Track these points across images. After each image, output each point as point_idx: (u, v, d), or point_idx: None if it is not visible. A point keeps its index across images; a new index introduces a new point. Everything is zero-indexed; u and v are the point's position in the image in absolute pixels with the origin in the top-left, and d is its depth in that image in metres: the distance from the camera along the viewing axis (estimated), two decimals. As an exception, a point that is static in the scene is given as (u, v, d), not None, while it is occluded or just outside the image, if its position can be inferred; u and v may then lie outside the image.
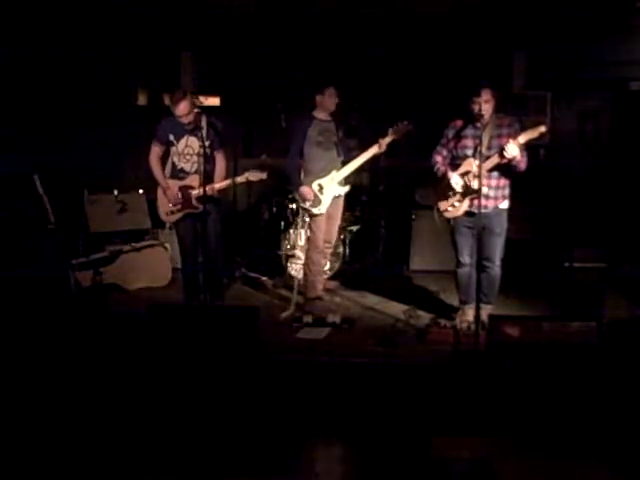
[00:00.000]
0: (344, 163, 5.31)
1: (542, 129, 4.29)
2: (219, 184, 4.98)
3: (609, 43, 6.72)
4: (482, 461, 3.32)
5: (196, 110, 4.83)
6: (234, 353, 3.85)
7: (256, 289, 6.03)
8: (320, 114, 5.25)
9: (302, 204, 5.32)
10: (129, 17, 6.63)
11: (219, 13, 6.55)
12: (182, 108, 4.78)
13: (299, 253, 5.98)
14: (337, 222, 5.55)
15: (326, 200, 5.27)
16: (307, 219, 5.55)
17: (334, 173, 5.27)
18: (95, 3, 6.35)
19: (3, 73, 6.22)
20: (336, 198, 5.36)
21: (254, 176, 4.97)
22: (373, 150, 5.14)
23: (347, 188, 5.41)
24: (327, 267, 6.01)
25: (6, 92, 6.22)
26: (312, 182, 5.25)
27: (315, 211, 5.28)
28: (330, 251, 5.66)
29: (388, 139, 5.08)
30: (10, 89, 6.28)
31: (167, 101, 4.97)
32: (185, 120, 4.82)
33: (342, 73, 6.82)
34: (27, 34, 6.40)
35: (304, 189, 5.23)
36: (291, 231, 6.14)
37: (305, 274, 5.47)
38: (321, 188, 5.26)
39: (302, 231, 5.96)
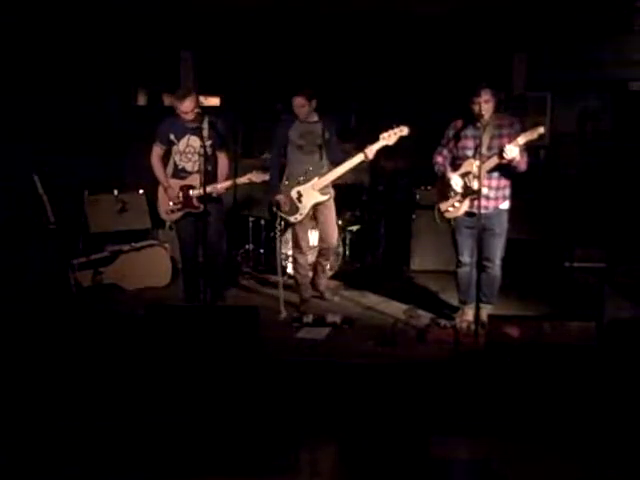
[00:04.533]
0: (332, 167, 5.08)
1: (540, 130, 4.30)
2: (223, 184, 4.99)
3: (609, 43, 6.73)
4: (482, 461, 3.32)
5: (196, 110, 4.83)
6: (234, 353, 3.85)
7: (256, 289, 6.03)
8: (299, 116, 5.05)
9: (278, 212, 5.15)
10: (129, 17, 6.63)
11: (219, 13, 6.56)
12: (187, 105, 4.78)
13: (289, 253, 5.97)
14: (333, 225, 5.31)
15: (304, 208, 5.10)
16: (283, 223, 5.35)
17: (316, 180, 5.06)
18: (95, 3, 6.35)
19: (3, 73, 6.22)
20: (321, 204, 5.16)
21: (257, 177, 4.96)
22: (358, 158, 4.90)
23: (328, 196, 5.16)
24: (327, 267, 6.00)
25: (6, 92, 6.21)
26: (292, 188, 5.10)
27: (292, 220, 5.15)
28: (330, 252, 5.54)
29: (378, 145, 4.83)
30: (10, 89, 6.28)
31: (169, 100, 4.96)
32: (189, 117, 4.82)
33: (342, 73, 6.85)
34: (27, 34, 6.40)
35: (279, 198, 5.08)
36: (290, 231, 6.14)
37: (295, 276, 5.46)
38: (300, 196, 5.10)
39: (284, 234, 5.93)
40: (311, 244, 5.72)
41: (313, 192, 5.11)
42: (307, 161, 5.10)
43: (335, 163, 5.09)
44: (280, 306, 5.03)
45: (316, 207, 5.19)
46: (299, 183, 5.11)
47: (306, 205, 5.13)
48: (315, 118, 5.11)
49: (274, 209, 5.21)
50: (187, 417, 3.59)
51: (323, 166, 5.13)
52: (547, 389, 3.61)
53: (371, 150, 4.86)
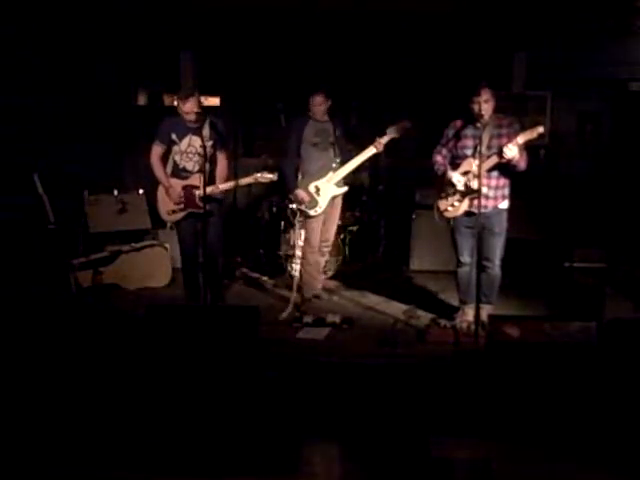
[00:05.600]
0: (342, 163, 5.29)
1: (540, 130, 4.30)
2: (224, 185, 4.99)
3: (609, 43, 6.73)
4: (482, 461, 3.32)
5: (196, 110, 4.83)
6: (234, 353, 3.85)
7: (256, 289, 6.03)
8: (315, 116, 5.27)
9: (298, 206, 5.32)
10: (129, 17, 6.63)
11: (219, 13, 6.56)
12: (189, 105, 4.79)
13: (299, 253, 5.98)
14: (335, 221, 5.55)
15: (323, 202, 5.27)
16: (301, 219, 5.49)
17: (331, 174, 5.27)
18: (95, 3, 6.35)
19: (3, 72, 6.23)
20: (334, 198, 5.36)
21: (264, 178, 4.96)
22: (370, 151, 5.14)
23: (345, 189, 5.40)
24: (327, 267, 6.01)
25: (6, 92, 6.22)
26: (309, 183, 5.26)
27: (312, 213, 5.28)
28: (328, 250, 5.65)
29: (386, 139, 5.09)
30: (10, 89, 6.28)
31: (170, 100, 4.96)
32: (191, 117, 4.82)
33: (342, 73, 6.85)
34: (27, 34, 6.40)
35: (299, 192, 5.25)
36: (291, 231, 6.15)
37: (301, 274, 5.48)
38: (318, 190, 5.26)
39: (302, 231, 5.96)
40: (302, 244, 5.76)
41: (330, 185, 5.29)
42: (322, 157, 5.30)
43: (343, 161, 5.30)
44: (290, 304, 5.07)
45: (330, 202, 5.34)
46: (315, 178, 5.27)
47: (325, 198, 5.29)
48: (326, 117, 5.32)
49: (294, 204, 5.40)
50: (187, 417, 3.59)
51: (336, 162, 5.32)
52: (547, 389, 3.61)
53: (380, 143, 5.10)
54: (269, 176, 4.97)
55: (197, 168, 4.96)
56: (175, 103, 4.96)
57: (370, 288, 5.89)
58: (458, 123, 4.62)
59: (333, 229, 5.57)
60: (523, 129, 4.40)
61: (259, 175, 4.97)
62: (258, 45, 6.97)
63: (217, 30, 6.91)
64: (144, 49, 7.17)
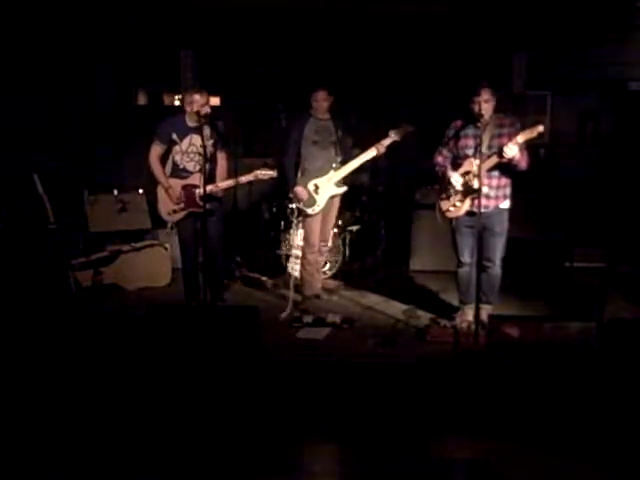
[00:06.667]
0: (343, 162, 5.30)
1: (540, 129, 4.29)
2: (224, 183, 4.99)
3: (609, 43, 6.73)
4: (482, 461, 3.32)
5: (209, 106, 4.86)
6: (234, 353, 3.85)
7: (256, 289, 6.02)
8: (317, 113, 5.28)
9: (297, 204, 5.34)
10: (129, 17, 6.64)
11: (219, 12, 6.56)
12: (205, 98, 4.84)
13: (298, 253, 5.99)
14: (332, 221, 5.56)
15: (321, 200, 5.28)
16: (300, 218, 5.52)
17: (331, 173, 5.27)
18: (94, 3, 6.35)
19: (3, 73, 6.23)
20: (332, 198, 5.36)
21: (263, 174, 4.97)
22: (372, 152, 5.15)
23: (344, 188, 5.40)
24: (327, 267, 6.02)
25: (6, 92, 6.22)
26: (308, 181, 5.27)
27: (309, 211, 5.29)
28: (327, 250, 5.68)
29: (388, 141, 5.10)
30: (10, 89, 6.28)
31: (171, 99, 4.96)
32: (197, 107, 4.81)
33: (342, 72, 6.85)
34: (26, 34, 6.40)
35: (298, 189, 5.25)
36: (291, 231, 6.14)
37: (301, 273, 5.50)
38: (317, 188, 5.27)
39: (302, 231, 5.97)
40: (302, 243, 5.77)
41: (329, 184, 5.30)
42: (323, 156, 5.29)
43: (344, 161, 5.30)
44: (288, 303, 5.06)
45: (328, 201, 5.34)
46: (315, 176, 5.27)
47: (323, 197, 5.29)
48: (327, 116, 5.31)
49: (293, 202, 5.40)
50: (187, 417, 3.59)
51: (337, 161, 5.32)
52: (547, 389, 3.61)
53: (382, 145, 5.12)
54: (269, 172, 4.97)
55: (197, 168, 4.95)
56: (178, 101, 4.96)
57: (370, 288, 5.90)
58: (459, 123, 4.62)
59: (331, 229, 5.58)
60: (523, 128, 4.40)
61: (259, 172, 4.98)
62: (258, 45, 6.97)
63: (217, 30, 6.91)
64: (144, 49, 7.17)
